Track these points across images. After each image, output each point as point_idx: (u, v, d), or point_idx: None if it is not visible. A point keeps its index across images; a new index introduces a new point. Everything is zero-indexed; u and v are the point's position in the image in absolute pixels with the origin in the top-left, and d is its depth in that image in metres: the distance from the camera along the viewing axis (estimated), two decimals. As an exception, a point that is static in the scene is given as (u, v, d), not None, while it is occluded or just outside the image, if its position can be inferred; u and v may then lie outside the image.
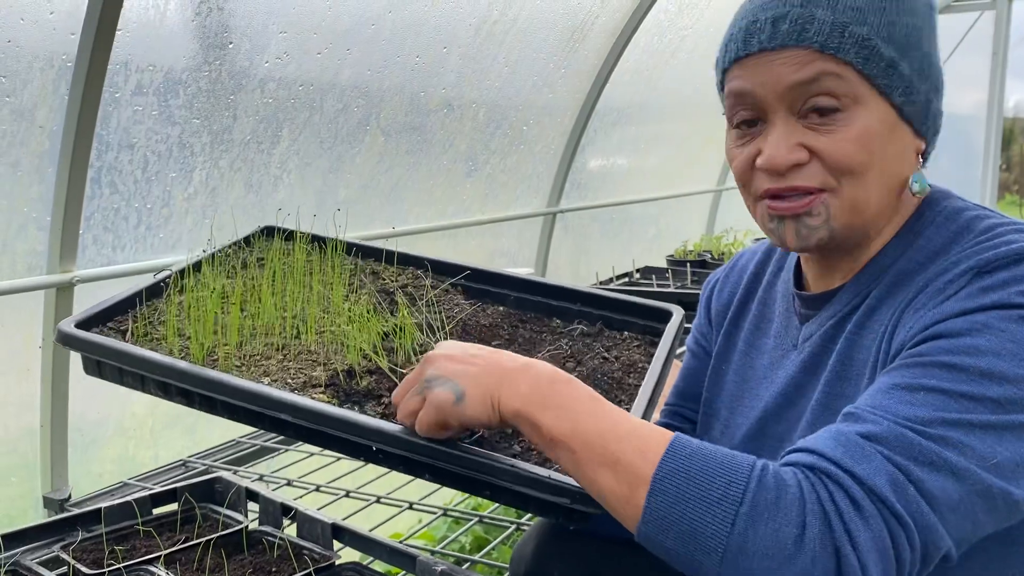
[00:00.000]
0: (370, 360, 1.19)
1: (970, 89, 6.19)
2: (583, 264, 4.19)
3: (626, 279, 3.32)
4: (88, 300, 1.96)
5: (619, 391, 1.21)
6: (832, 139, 0.91)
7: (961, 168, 6.21)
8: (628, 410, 1.12)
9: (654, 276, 3.34)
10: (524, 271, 2.33)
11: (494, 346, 1.29)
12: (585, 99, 3.68)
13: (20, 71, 1.74)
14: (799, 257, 1.10)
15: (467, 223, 3.31)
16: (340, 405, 1.08)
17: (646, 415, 1.05)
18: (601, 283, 3.12)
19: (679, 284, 3.18)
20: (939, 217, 0.96)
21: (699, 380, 1.24)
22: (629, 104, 4.15)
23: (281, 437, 2.09)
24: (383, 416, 1.08)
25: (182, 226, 2.19)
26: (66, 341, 1.18)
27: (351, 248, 1.55)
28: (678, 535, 0.76)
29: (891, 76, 0.91)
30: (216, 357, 1.16)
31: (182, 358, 1.13)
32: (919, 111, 0.95)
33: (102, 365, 1.16)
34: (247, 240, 1.55)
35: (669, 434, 0.80)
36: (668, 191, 4.96)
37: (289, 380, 1.12)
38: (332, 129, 2.51)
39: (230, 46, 2.10)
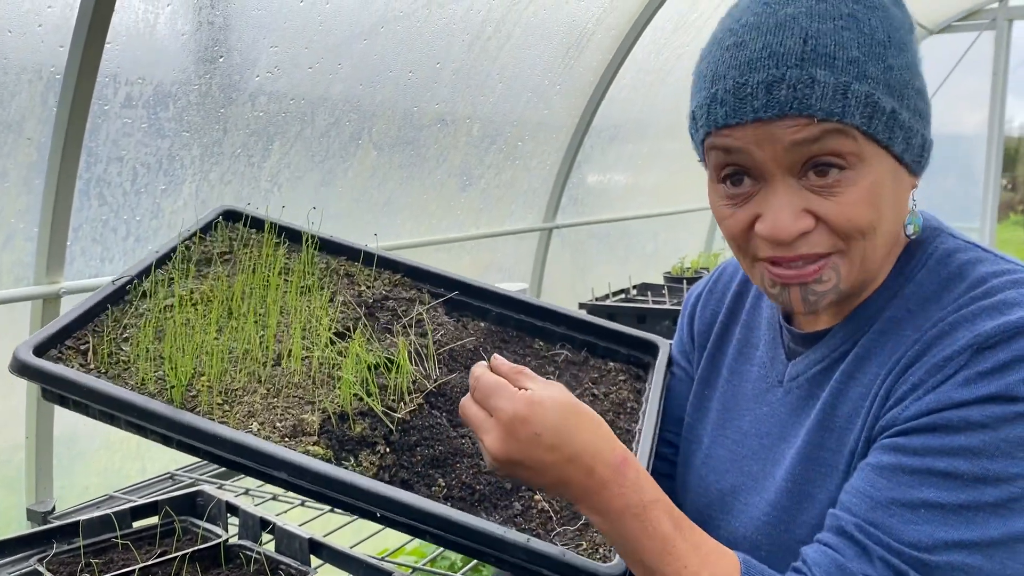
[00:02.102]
0: (362, 400, 1.12)
1: (973, 109, 6.19)
2: (579, 280, 4.18)
3: (623, 295, 3.30)
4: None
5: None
6: (838, 203, 0.85)
7: (963, 188, 6.20)
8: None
9: (650, 293, 3.32)
10: (519, 286, 2.33)
11: None
12: (581, 115, 3.69)
13: (8, 83, 1.74)
14: None
15: (462, 238, 3.31)
16: (336, 455, 1.03)
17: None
18: (597, 299, 3.11)
19: (675, 301, 3.16)
20: (930, 260, 0.93)
21: (680, 402, 1.22)
22: (626, 121, 4.16)
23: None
24: (380, 468, 1.04)
25: (171, 238, 2.19)
26: (24, 372, 1.02)
27: (322, 244, 1.43)
28: None
29: (893, 128, 0.86)
30: (195, 392, 1.08)
31: (156, 391, 1.04)
32: (917, 151, 0.90)
33: (64, 398, 1.03)
34: (205, 229, 1.40)
35: None
36: (666, 208, 4.95)
37: (277, 424, 1.05)
38: (323, 143, 2.51)
39: (221, 60, 2.11)
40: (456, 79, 2.88)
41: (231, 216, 1.45)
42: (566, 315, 1.42)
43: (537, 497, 1.05)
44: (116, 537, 1.33)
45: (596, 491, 0.83)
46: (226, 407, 1.07)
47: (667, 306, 2.98)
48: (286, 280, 1.32)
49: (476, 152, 3.20)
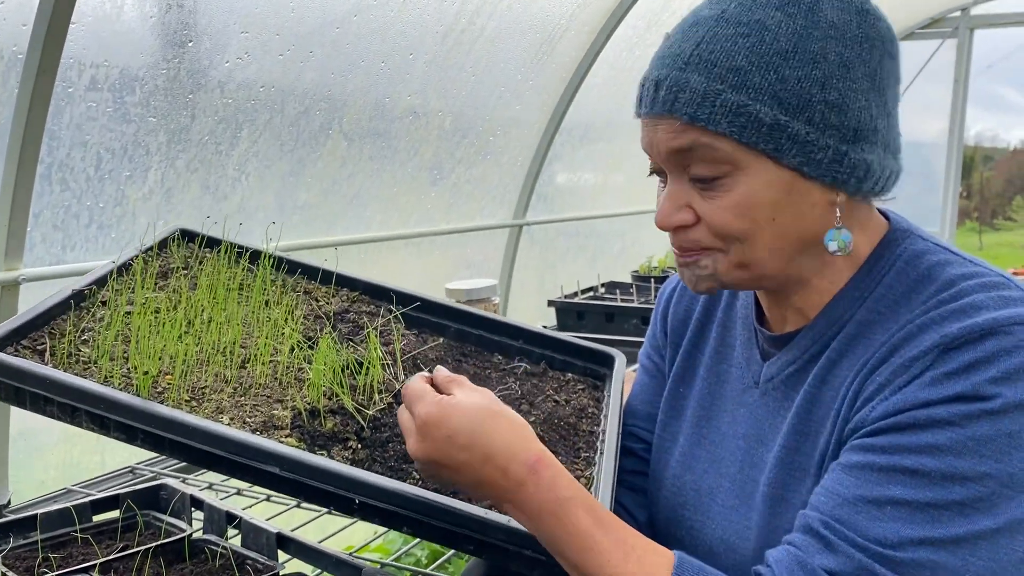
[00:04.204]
0: (331, 399, 1.14)
1: (932, 117, 6.28)
2: (548, 277, 4.18)
3: (591, 293, 3.31)
4: (35, 299, 1.90)
5: (575, 437, 1.24)
6: (712, 206, 0.90)
7: (923, 194, 6.31)
8: (590, 460, 1.16)
9: (619, 291, 3.33)
10: (488, 282, 2.30)
11: None
12: (553, 112, 3.68)
13: (-33, 62, 1.69)
14: None
15: (431, 232, 3.29)
16: (309, 450, 1.03)
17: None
18: (566, 297, 3.11)
19: (643, 299, 3.17)
20: (899, 262, 0.93)
21: (652, 398, 1.21)
22: (596, 120, 4.16)
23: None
24: (352, 463, 1.04)
25: (135, 226, 2.14)
26: None
27: (279, 263, 1.46)
28: None
29: (778, 139, 0.86)
30: (161, 388, 1.07)
31: (122, 387, 1.03)
32: (827, 166, 0.87)
33: (21, 392, 0.99)
34: (162, 244, 1.44)
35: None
36: (634, 207, 4.97)
37: (248, 419, 1.06)
38: (293, 132, 2.47)
39: (189, 44, 2.06)
40: (429, 71, 2.85)
41: (187, 236, 1.49)
42: (523, 329, 1.46)
43: None
44: (76, 531, 1.29)
45: (513, 490, 0.86)
46: (194, 403, 1.07)
47: (635, 304, 2.98)
48: (245, 296, 1.35)
49: (447, 146, 3.18)
